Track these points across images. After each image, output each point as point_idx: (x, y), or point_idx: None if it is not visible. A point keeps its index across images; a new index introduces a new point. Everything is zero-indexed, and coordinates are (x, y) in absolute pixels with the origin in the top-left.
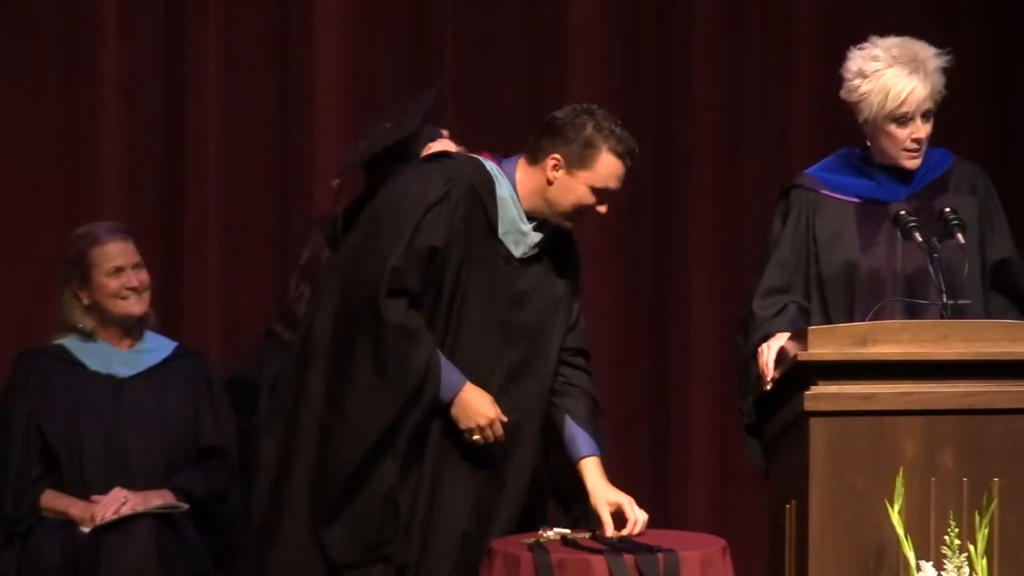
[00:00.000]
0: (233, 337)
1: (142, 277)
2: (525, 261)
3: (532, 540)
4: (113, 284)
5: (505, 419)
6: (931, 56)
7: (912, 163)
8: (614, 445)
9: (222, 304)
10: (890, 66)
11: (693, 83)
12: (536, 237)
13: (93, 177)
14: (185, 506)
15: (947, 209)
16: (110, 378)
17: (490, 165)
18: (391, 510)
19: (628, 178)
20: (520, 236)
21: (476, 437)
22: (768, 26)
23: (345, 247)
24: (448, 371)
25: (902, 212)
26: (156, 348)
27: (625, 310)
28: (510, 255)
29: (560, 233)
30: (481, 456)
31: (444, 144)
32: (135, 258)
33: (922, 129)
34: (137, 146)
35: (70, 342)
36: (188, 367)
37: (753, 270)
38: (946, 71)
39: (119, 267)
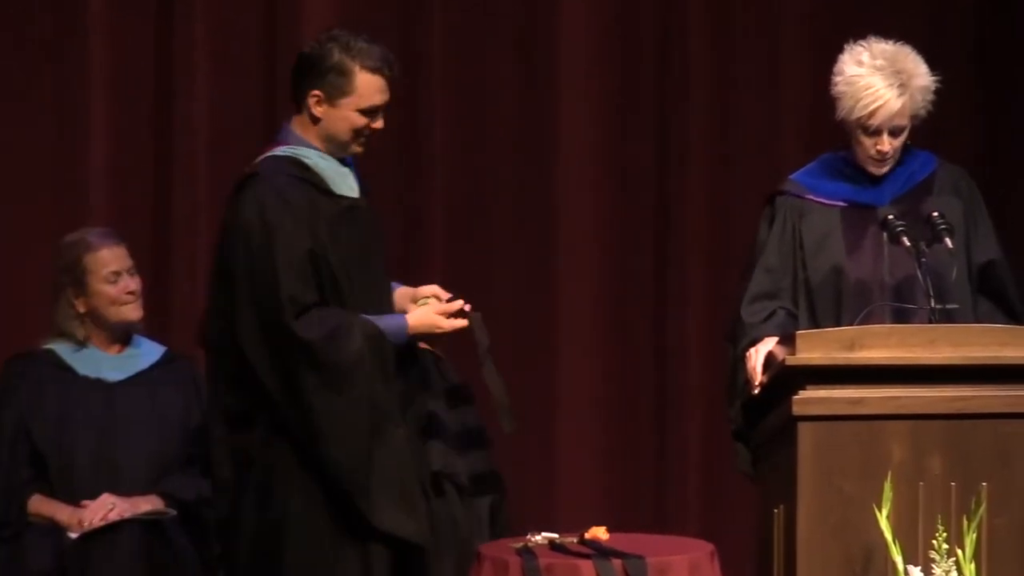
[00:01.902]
0: None
1: (138, 282)
2: (360, 197)
3: (520, 544)
4: (112, 290)
5: (453, 300)
6: (920, 74)
7: (877, 170)
8: (611, 448)
9: None
10: (871, 75)
11: (688, 83)
12: (348, 170)
13: (82, 178)
14: (174, 512)
15: (935, 213)
16: (100, 382)
17: (283, 150)
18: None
19: (627, 177)
20: (345, 178)
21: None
22: (761, 26)
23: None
24: (385, 321)
25: (890, 216)
26: (145, 352)
27: (621, 310)
28: (353, 201)
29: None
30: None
31: None
32: (129, 262)
33: (887, 143)
34: (126, 147)
35: (60, 347)
36: (177, 372)
37: (740, 277)
38: (939, 74)
39: (116, 272)
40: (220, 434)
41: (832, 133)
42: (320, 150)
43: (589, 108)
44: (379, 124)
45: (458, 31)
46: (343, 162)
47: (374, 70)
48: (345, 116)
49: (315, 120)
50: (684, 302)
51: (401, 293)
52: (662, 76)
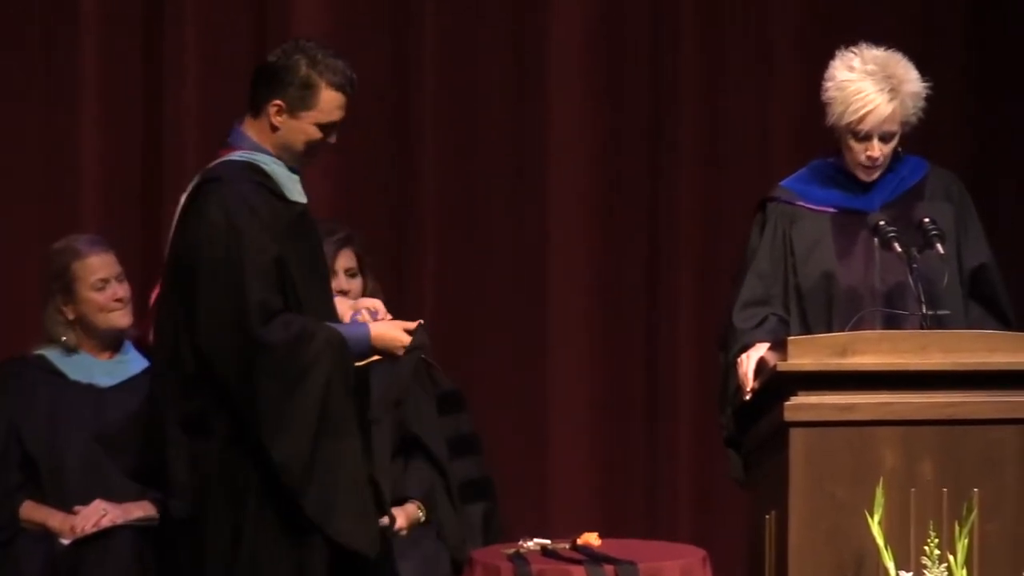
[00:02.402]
0: None
1: (126, 288)
2: (307, 204)
3: (512, 550)
4: (100, 298)
5: (414, 324)
6: (910, 80)
7: (866, 177)
8: (603, 453)
9: None
10: (861, 80)
11: (679, 88)
12: (297, 176)
13: (72, 182)
14: None
15: (926, 219)
16: (91, 388)
17: (240, 155)
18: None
19: (618, 181)
20: (296, 183)
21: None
22: (752, 30)
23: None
24: (347, 330)
25: (881, 222)
26: (135, 358)
27: (613, 315)
28: (303, 207)
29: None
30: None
31: None
32: (117, 269)
33: (877, 149)
34: (116, 151)
35: (51, 352)
36: None
37: (732, 283)
38: (930, 78)
39: (104, 279)
40: (177, 437)
41: (823, 139)
42: (273, 156)
43: (581, 112)
44: (333, 140)
45: (450, 34)
46: (291, 168)
47: (338, 87)
48: (303, 129)
49: (273, 129)
50: (676, 307)
51: (338, 301)
52: (654, 80)
